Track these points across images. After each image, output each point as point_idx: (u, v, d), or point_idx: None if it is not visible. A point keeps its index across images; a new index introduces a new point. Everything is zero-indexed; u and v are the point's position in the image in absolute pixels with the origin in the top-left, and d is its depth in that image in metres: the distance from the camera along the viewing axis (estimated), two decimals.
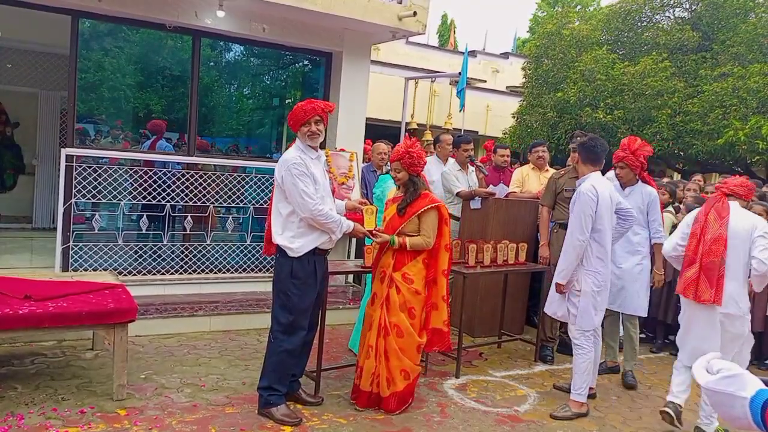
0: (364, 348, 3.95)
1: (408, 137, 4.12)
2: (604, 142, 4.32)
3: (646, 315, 4.83)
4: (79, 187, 5.41)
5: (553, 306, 4.31)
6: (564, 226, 4.69)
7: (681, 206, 6.01)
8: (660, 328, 5.91)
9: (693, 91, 11.14)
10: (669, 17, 12.96)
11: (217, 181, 6.09)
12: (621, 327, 5.00)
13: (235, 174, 6.22)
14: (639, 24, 13.03)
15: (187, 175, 5.89)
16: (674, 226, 5.72)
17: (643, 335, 5.04)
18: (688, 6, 12.61)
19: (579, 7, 21.45)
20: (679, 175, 13.24)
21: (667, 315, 5.72)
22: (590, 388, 4.35)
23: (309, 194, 3.52)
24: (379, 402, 3.88)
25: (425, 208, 3.85)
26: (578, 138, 5.19)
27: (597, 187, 4.08)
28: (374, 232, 3.87)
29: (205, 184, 5.97)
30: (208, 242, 6.03)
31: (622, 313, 4.85)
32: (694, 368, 1.33)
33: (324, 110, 3.65)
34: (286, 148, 3.79)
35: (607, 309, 4.47)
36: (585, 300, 4.12)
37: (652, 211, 4.65)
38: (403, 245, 3.82)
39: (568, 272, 4.13)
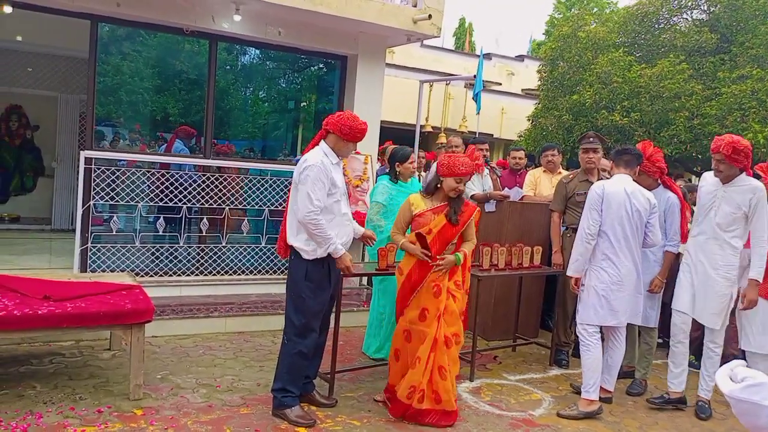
0: (409, 357, 3.82)
1: (470, 146, 4.14)
2: (638, 151, 4.39)
3: (656, 325, 4.76)
4: (97, 189, 5.49)
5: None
6: (576, 231, 4.67)
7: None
8: None
9: (711, 94, 11.01)
10: (687, 19, 12.82)
11: (233, 184, 6.14)
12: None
13: (251, 176, 6.26)
14: (656, 26, 12.91)
15: (203, 178, 5.95)
16: None
17: (660, 340, 4.97)
18: (706, 8, 12.47)
19: (596, 9, 21.31)
20: (698, 179, 13.09)
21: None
22: (608, 391, 4.33)
23: (312, 200, 3.49)
24: (418, 417, 3.73)
25: (475, 213, 3.93)
26: (591, 139, 5.16)
27: (606, 185, 4.16)
28: (437, 259, 3.79)
29: (220, 187, 6.03)
30: (224, 244, 6.08)
31: None
32: (717, 376, 1.30)
33: None
34: (301, 151, 3.81)
35: None
36: (587, 294, 4.18)
37: (669, 218, 4.57)
38: (466, 257, 3.87)
39: (579, 264, 4.19)
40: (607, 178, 4.57)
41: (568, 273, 4.32)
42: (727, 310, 4.18)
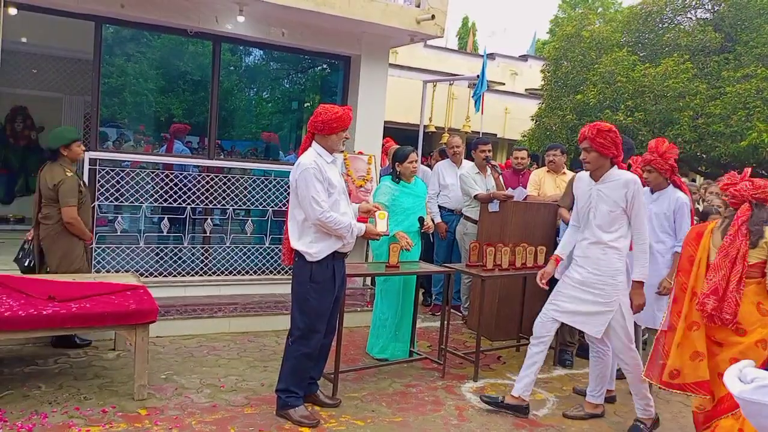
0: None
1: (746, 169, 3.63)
2: (629, 141, 4.27)
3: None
4: (102, 190, 5.51)
5: None
6: None
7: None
8: None
9: (715, 93, 10.98)
10: (691, 18, 12.79)
11: (237, 184, 6.16)
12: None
13: (254, 177, 6.28)
14: (660, 25, 12.88)
15: (207, 178, 5.96)
16: None
17: None
18: (710, 7, 12.44)
19: (600, 9, 21.27)
20: (702, 178, 13.05)
21: None
22: (609, 391, 4.31)
23: (318, 201, 3.51)
24: None
25: None
26: None
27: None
28: None
29: (224, 187, 6.04)
30: (228, 244, 6.09)
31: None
32: (725, 376, 1.27)
33: None
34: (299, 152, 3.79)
35: None
36: None
37: (679, 218, 4.47)
38: None
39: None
40: None
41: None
42: (609, 317, 3.82)
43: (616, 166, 3.84)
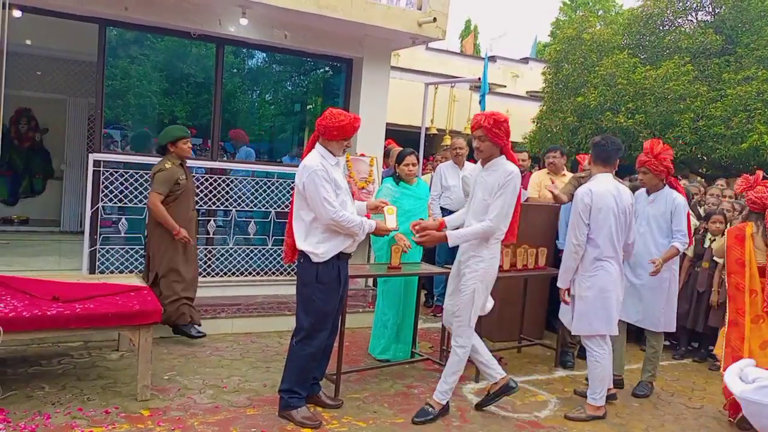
0: None
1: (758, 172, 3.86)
2: (617, 141, 4.21)
3: (674, 330, 4.69)
4: (106, 191, 5.53)
5: (565, 313, 4.31)
6: None
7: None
8: (683, 336, 5.84)
9: (716, 95, 10.99)
10: (691, 21, 12.82)
11: (240, 186, 6.18)
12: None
13: (257, 178, 6.30)
14: (661, 28, 12.90)
15: (210, 180, 5.99)
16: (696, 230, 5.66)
17: (666, 342, 4.94)
18: (711, 9, 12.46)
19: (601, 11, 21.28)
20: (703, 180, 13.05)
21: (696, 323, 5.65)
22: (608, 389, 4.31)
23: (330, 202, 3.55)
24: None
25: None
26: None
27: (594, 189, 4.03)
28: None
29: (227, 189, 6.06)
30: (231, 245, 6.11)
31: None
32: (726, 376, 1.27)
33: None
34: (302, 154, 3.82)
35: (626, 322, 4.50)
36: (580, 303, 4.12)
37: (677, 220, 4.48)
38: None
39: (567, 276, 4.16)
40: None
41: (558, 284, 4.29)
42: (474, 305, 3.83)
43: (504, 155, 3.86)
